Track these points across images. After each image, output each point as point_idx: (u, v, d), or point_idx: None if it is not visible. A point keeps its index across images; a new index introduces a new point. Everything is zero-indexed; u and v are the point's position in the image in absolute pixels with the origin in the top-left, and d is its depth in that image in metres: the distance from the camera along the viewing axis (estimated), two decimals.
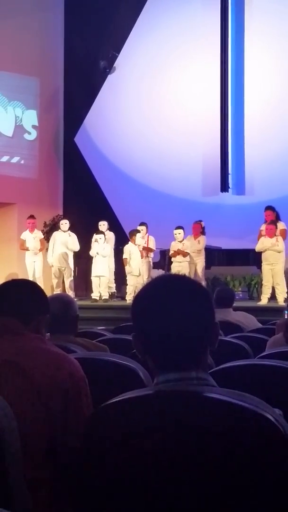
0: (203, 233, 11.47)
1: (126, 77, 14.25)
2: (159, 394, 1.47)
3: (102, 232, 11.60)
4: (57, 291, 11.45)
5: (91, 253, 11.55)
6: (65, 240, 11.70)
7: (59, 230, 11.90)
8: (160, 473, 1.39)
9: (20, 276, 10.81)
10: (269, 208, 10.95)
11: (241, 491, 1.33)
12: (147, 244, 11.50)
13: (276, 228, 10.54)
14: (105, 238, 11.57)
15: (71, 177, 14.66)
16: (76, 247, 11.75)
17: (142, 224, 11.67)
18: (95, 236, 11.51)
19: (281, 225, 10.76)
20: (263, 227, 10.74)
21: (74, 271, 12.02)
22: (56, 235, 11.88)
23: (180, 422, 1.39)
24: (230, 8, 13.42)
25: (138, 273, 11.10)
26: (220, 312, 4.80)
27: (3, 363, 1.94)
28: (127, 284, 11.38)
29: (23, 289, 2.24)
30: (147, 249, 11.52)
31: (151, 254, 11.75)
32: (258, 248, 10.53)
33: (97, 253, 11.43)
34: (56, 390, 1.92)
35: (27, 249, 11.85)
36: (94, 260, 11.54)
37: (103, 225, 11.89)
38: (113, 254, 11.81)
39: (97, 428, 1.48)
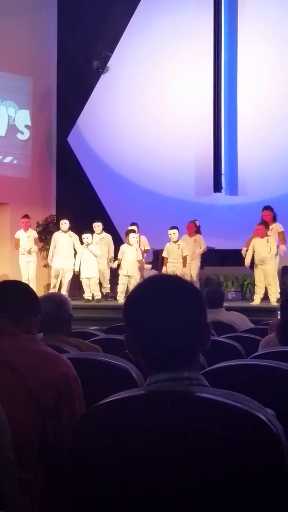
0: (198, 232, 11.42)
1: (119, 77, 14.24)
2: (151, 394, 1.47)
3: (90, 232, 11.45)
4: (53, 291, 11.37)
5: (76, 258, 11.45)
6: (68, 242, 11.55)
7: (59, 230, 11.77)
8: (151, 473, 1.39)
9: (13, 277, 10.78)
10: (267, 208, 10.87)
11: (233, 491, 1.33)
12: (139, 244, 11.43)
13: (267, 228, 10.48)
14: (92, 239, 11.46)
15: (64, 177, 14.63)
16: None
17: (132, 224, 11.60)
18: (83, 236, 11.38)
19: (279, 227, 10.66)
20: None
21: None
22: (56, 236, 11.75)
23: (172, 422, 1.39)
24: (223, 8, 13.43)
25: (127, 273, 11.07)
26: (212, 312, 4.78)
27: None
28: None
29: (14, 290, 2.25)
30: (142, 252, 11.48)
31: (144, 255, 11.69)
32: (247, 253, 10.48)
33: (81, 257, 11.33)
34: (48, 390, 1.92)
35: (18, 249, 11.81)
36: (82, 262, 11.44)
37: (97, 226, 11.78)
38: (113, 255, 11.73)
39: (89, 428, 1.48)
